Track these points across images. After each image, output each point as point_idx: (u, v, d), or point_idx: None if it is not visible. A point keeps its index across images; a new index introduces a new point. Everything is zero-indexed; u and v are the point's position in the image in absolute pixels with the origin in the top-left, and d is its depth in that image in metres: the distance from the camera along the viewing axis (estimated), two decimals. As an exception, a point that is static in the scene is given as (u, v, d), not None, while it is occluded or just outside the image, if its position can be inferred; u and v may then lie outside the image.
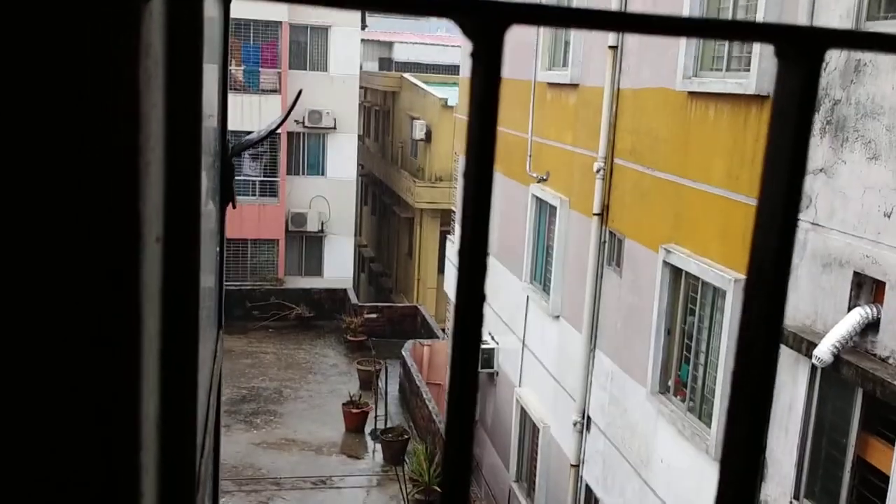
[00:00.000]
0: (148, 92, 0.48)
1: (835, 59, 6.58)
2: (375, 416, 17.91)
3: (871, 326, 6.06)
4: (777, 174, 0.49)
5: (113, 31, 0.41)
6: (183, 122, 0.62)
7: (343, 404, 18.28)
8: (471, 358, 0.52)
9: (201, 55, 0.69)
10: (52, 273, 0.44)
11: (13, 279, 0.44)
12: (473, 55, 0.48)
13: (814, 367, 6.52)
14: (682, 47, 8.74)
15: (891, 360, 5.87)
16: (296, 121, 26.37)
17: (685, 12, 8.68)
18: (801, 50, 0.49)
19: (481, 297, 0.51)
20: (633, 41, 10.11)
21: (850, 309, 6.21)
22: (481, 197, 0.48)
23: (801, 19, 6.86)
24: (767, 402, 0.53)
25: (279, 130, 25.71)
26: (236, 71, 25.69)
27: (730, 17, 8.20)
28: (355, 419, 18.03)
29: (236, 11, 26.38)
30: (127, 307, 0.45)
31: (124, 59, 0.42)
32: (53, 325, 0.45)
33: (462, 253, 0.50)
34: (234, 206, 1.66)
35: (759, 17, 7.44)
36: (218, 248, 1.56)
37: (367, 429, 18.09)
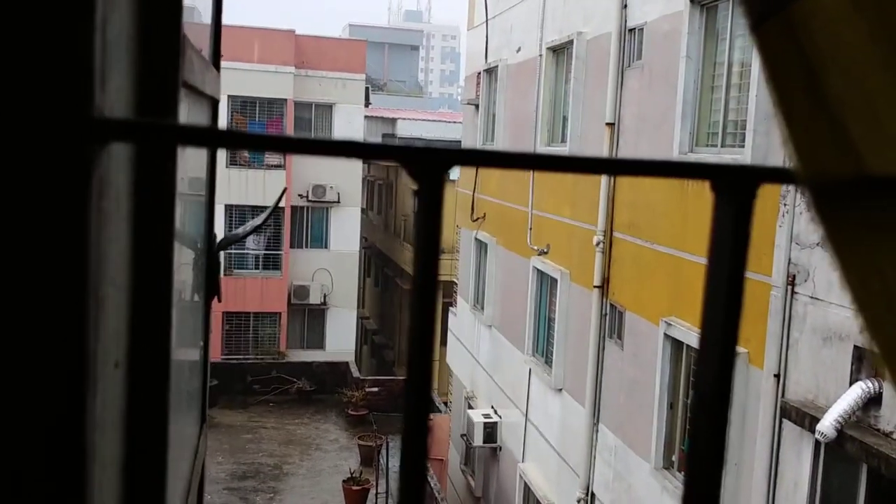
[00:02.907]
0: (105, 229, 0.50)
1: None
2: (376, 494, 17.58)
3: (874, 401, 6.00)
4: (715, 306, 0.51)
5: (61, 177, 0.43)
6: (153, 248, 0.64)
7: (343, 481, 17.98)
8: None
9: (174, 192, 0.72)
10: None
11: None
12: (416, 194, 0.50)
13: (817, 443, 6.43)
14: (678, 123, 8.88)
15: (894, 435, 5.80)
16: (300, 195, 26.64)
17: (682, 64, 8.84)
18: (735, 186, 0.52)
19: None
20: (629, 118, 10.28)
21: (851, 383, 6.16)
22: (425, 329, 0.49)
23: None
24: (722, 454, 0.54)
25: (283, 204, 25.94)
26: (241, 146, 26.03)
27: (722, 98, 8.36)
28: (356, 497, 17.71)
29: (242, 89, 26.71)
30: (71, 434, 0.46)
31: (72, 202, 0.44)
32: None
33: (407, 382, 0.51)
34: (219, 300, 1.67)
35: (752, 95, 7.58)
36: (202, 343, 1.57)
37: (369, 506, 17.74)
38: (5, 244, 0.43)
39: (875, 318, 0.50)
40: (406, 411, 0.52)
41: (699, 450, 0.54)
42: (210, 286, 1.54)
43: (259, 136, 0.47)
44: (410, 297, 0.53)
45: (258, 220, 2.92)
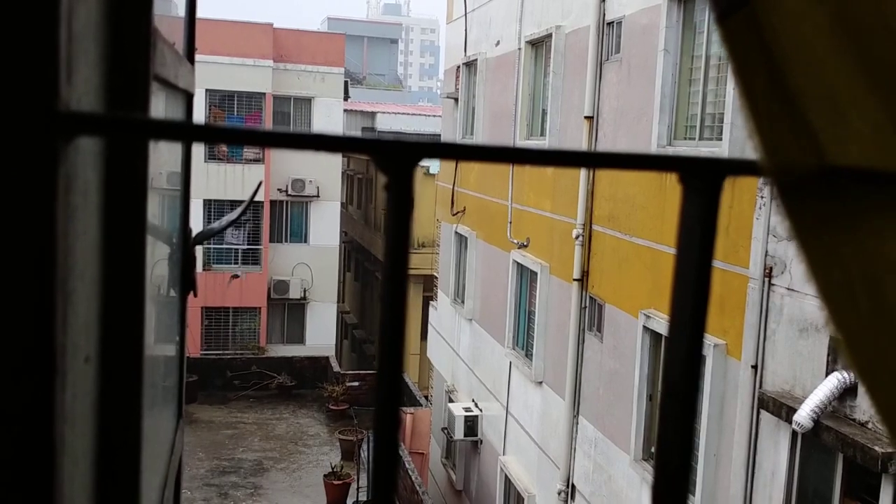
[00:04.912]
0: (72, 224, 0.50)
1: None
2: (358, 488, 17.59)
3: (850, 391, 6.07)
4: (683, 295, 0.52)
5: (26, 171, 0.43)
6: (123, 242, 0.64)
7: (324, 476, 17.96)
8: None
9: (145, 187, 0.71)
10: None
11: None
12: (387, 188, 0.50)
13: (794, 433, 6.50)
14: (657, 116, 8.92)
15: (870, 425, 5.87)
16: (279, 189, 26.53)
17: (660, 57, 8.88)
18: (703, 178, 0.52)
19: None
20: (608, 112, 10.32)
21: (828, 374, 6.23)
22: (395, 324, 0.50)
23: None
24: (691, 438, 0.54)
25: (261, 199, 25.83)
26: (219, 140, 25.88)
27: (700, 91, 8.41)
28: (337, 491, 17.69)
29: (220, 83, 26.53)
30: (40, 429, 0.46)
31: (38, 197, 0.43)
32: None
33: (378, 381, 0.51)
34: (195, 295, 1.67)
35: (730, 88, 7.62)
36: (178, 338, 1.56)
37: (350, 501, 17.74)
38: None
39: (837, 309, 0.51)
40: (377, 406, 0.52)
41: (668, 436, 0.55)
42: (185, 281, 1.53)
43: (230, 130, 0.47)
44: (381, 289, 0.53)
45: (234, 215, 2.91)
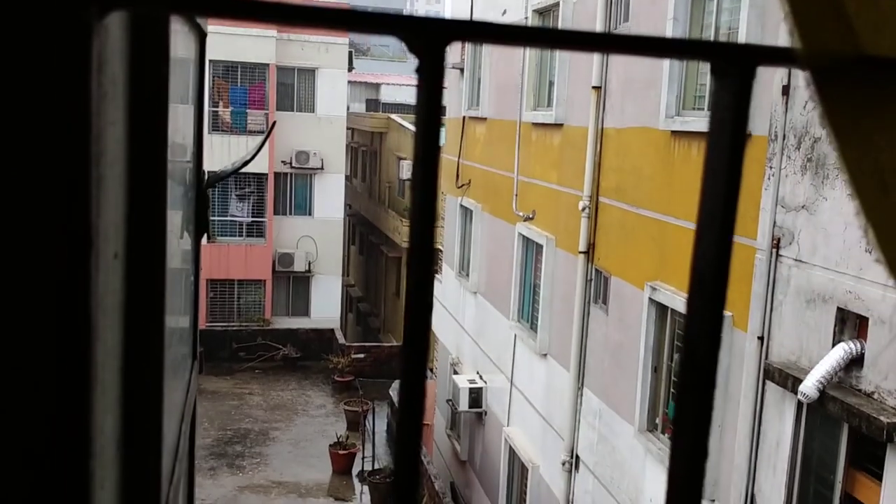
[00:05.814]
0: (103, 108, 0.50)
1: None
2: (363, 458, 17.73)
3: (856, 362, 6.08)
4: (714, 188, 0.51)
5: (61, 48, 0.43)
6: (147, 139, 0.64)
7: (330, 446, 18.11)
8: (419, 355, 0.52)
9: (167, 75, 0.71)
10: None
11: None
12: (418, 70, 0.50)
13: (800, 404, 6.52)
14: (665, 87, 8.86)
15: (875, 396, 5.89)
16: (283, 161, 26.48)
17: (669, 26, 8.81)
18: (734, 66, 0.52)
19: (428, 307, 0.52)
20: (615, 82, 10.25)
21: (834, 344, 6.24)
22: (426, 211, 0.49)
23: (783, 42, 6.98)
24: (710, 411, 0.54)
25: (265, 171, 25.79)
26: (224, 112, 25.83)
27: (713, 34, 8.34)
28: (342, 461, 17.84)
29: (224, 54, 26.27)
30: (76, 317, 0.46)
31: (73, 74, 0.43)
32: None
33: (411, 253, 0.51)
34: (209, 239, 1.66)
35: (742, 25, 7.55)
36: (193, 278, 1.57)
37: (355, 470, 17.89)
38: (9, 114, 0.43)
39: (869, 200, 0.51)
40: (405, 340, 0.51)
41: (688, 399, 0.53)
42: (200, 222, 1.54)
43: (257, 4, 0.47)
44: (412, 178, 0.53)
45: (247, 156, 2.91)
